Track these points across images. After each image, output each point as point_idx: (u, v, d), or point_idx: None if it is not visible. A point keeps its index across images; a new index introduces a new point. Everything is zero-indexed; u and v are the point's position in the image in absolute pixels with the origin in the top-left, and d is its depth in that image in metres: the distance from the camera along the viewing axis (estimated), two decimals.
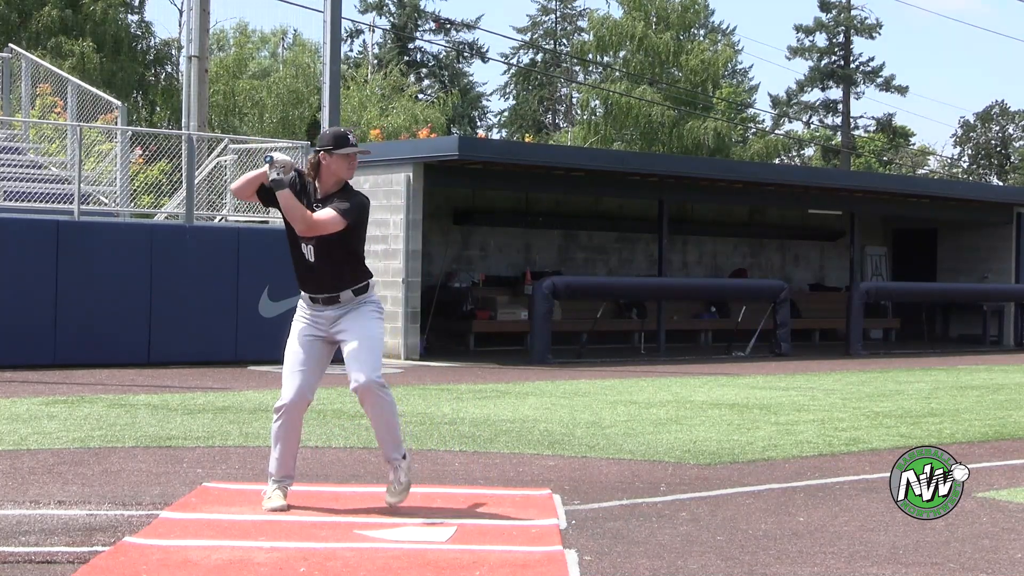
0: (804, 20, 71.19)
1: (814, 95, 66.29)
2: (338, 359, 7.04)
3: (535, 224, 25.65)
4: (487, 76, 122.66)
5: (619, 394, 14.42)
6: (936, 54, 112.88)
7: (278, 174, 6.83)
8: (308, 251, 6.96)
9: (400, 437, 7.02)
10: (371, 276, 7.15)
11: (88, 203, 18.06)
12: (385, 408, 6.91)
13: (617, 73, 52.53)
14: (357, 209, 6.91)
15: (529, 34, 67.79)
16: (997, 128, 73.85)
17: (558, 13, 67.70)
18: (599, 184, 23.46)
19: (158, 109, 43.42)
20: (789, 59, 65.94)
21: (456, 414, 11.81)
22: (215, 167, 19.75)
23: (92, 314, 16.65)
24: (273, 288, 17.77)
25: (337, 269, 6.96)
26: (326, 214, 6.84)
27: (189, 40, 21.91)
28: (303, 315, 7.08)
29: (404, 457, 7.00)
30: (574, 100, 63.52)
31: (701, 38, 54.55)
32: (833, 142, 64.97)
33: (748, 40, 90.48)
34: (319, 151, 6.96)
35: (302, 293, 7.10)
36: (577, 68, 60.81)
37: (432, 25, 65.62)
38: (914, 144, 70.92)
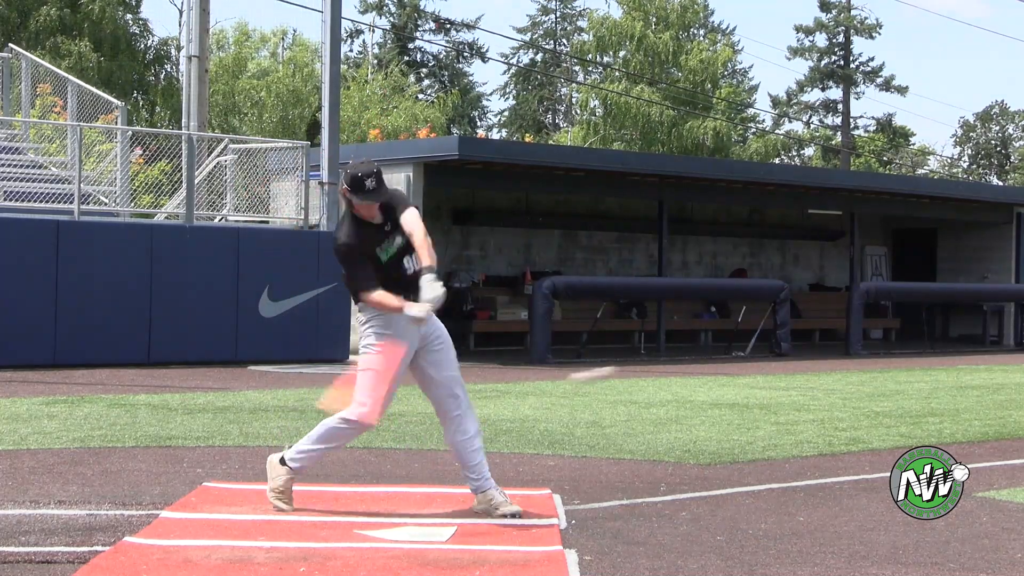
0: (804, 20, 71.25)
1: (814, 95, 66.38)
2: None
3: (535, 224, 25.65)
4: (487, 76, 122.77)
5: (619, 394, 14.41)
6: (936, 54, 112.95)
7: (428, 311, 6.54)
8: (411, 262, 6.62)
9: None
10: None
11: (88, 203, 18.06)
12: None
13: (617, 73, 52.50)
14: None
15: (529, 34, 67.73)
16: (997, 128, 73.92)
17: (558, 13, 67.64)
18: (599, 184, 23.45)
19: (158, 109, 43.40)
20: (789, 59, 66.03)
21: None
22: (215, 167, 19.74)
23: (92, 314, 16.64)
24: (273, 288, 17.75)
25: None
26: (413, 218, 6.58)
27: (189, 40, 21.89)
28: (409, 332, 6.61)
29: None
30: (574, 100, 63.46)
31: (701, 38, 54.53)
32: (833, 142, 64.94)
33: (748, 40, 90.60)
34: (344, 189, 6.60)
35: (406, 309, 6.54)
36: (577, 68, 60.77)
37: (432, 25, 65.61)
38: (914, 144, 70.93)
